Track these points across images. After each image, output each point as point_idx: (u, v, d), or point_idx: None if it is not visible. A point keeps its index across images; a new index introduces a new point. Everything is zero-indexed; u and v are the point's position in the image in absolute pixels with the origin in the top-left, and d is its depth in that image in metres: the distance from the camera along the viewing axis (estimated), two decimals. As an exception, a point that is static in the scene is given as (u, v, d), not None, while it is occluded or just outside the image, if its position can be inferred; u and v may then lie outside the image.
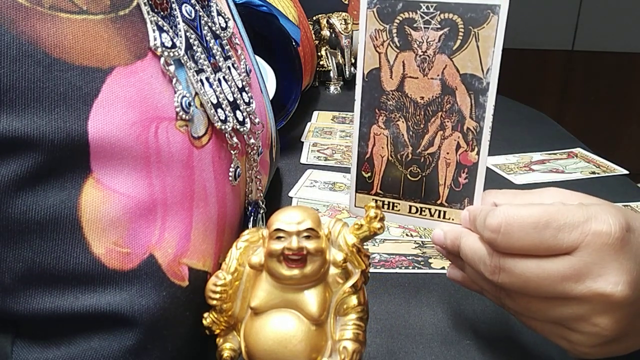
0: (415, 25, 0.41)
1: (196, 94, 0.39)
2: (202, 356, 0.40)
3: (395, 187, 0.45)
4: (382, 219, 0.37)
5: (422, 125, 0.43)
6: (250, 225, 0.47)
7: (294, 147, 0.87)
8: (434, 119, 0.42)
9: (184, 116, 0.37)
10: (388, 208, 0.46)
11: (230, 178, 0.42)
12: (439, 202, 0.44)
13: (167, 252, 0.35)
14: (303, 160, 0.83)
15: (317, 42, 1.17)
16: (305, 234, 0.34)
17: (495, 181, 0.76)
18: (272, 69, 0.78)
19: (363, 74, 0.44)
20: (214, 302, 0.36)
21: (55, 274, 0.32)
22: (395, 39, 0.42)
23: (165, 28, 0.38)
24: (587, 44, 2.25)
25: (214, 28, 0.44)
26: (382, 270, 0.55)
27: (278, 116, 0.76)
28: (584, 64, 2.27)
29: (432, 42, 0.41)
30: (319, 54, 1.19)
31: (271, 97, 0.72)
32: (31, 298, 0.32)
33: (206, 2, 0.44)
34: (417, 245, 0.60)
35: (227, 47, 0.45)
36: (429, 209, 0.44)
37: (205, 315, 0.37)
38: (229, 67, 0.44)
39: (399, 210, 0.45)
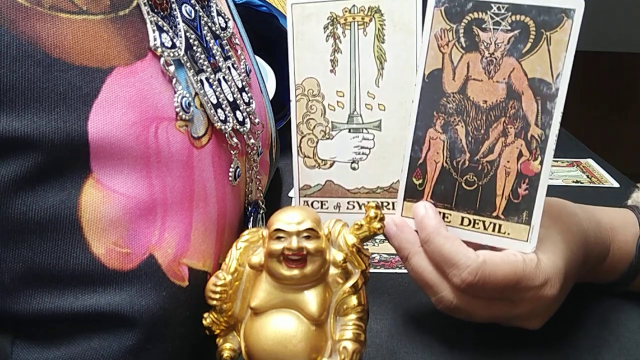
0: (484, 25, 0.40)
1: (196, 94, 0.39)
2: (202, 356, 0.40)
3: (448, 196, 0.42)
4: (382, 219, 0.37)
5: (482, 131, 0.41)
6: (250, 225, 0.47)
7: (294, 147, 0.86)
8: (496, 124, 0.40)
9: (183, 116, 0.37)
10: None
11: (230, 178, 0.42)
12: (494, 214, 0.41)
13: (167, 252, 0.35)
14: (303, 160, 0.82)
15: (317, 42, 1.17)
16: (305, 234, 0.34)
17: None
18: (272, 69, 0.78)
19: (424, 74, 0.42)
20: (214, 302, 0.36)
21: (55, 274, 0.32)
22: (462, 40, 0.41)
23: (165, 28, 0.38)
24: (587, 44, 2.25)
25: (213, 28, 0.44)
26: (382, 270, 0.55)
27: (278, 116, 0.76)
28: (584, 64, 2.27)
29: (500, 44, 0.40)
30: (319, 54, 1.19)
31: (271, 97, 0.72)
32: (31, 298, 0.32)
33: (206, 2, 0.44)
34: (417, 245, 0.60)
35: (227, 47, 0.45)
36: (483, 222, 0.41)
37: (205, 315, 0.37)
38: (228, 67, 0.44)
39: (450, 221, 0.42)
